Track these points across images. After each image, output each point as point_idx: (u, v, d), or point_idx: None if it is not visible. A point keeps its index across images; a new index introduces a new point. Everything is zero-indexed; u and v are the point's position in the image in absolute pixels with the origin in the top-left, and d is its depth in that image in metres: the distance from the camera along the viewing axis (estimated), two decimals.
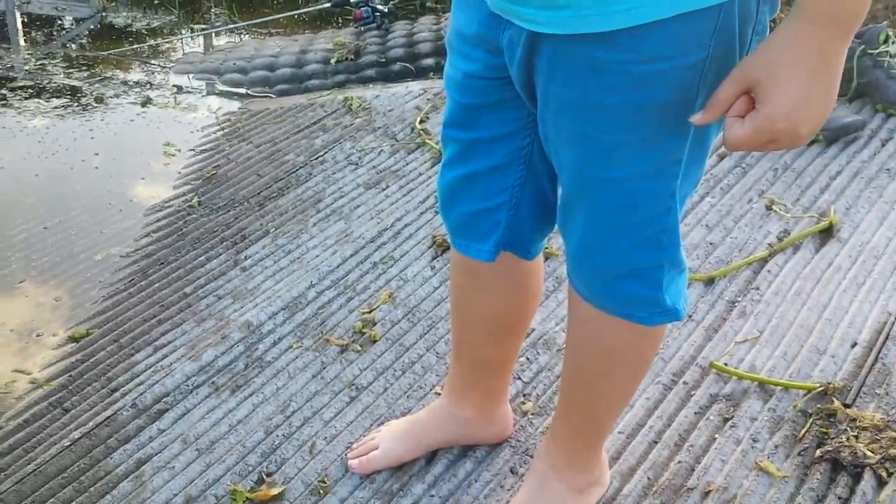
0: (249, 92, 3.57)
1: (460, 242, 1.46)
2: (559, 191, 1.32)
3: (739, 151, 1.30)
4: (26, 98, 3.41)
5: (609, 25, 1.01)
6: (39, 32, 4.17)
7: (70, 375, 2.13)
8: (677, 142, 1.10)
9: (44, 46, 3.92)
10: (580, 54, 1.06)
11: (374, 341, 2.13)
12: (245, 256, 2.53)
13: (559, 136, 1.18)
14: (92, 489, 1.79)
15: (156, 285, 2.45)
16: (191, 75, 3.65)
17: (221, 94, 3.55)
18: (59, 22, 4.31)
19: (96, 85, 3.53)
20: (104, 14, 4.27)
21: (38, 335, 2.26)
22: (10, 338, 2.24)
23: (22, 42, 4.11)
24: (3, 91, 3.46)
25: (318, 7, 4.03)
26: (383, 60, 3.63)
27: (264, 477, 1.79)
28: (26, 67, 3.65)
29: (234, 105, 3.45)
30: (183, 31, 4.16)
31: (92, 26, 4.19)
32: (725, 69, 1.04)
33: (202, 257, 2.55)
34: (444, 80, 1.35)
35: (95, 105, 3.38)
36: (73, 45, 3.91)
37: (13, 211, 2.75)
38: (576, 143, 1.16)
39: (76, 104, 3.38)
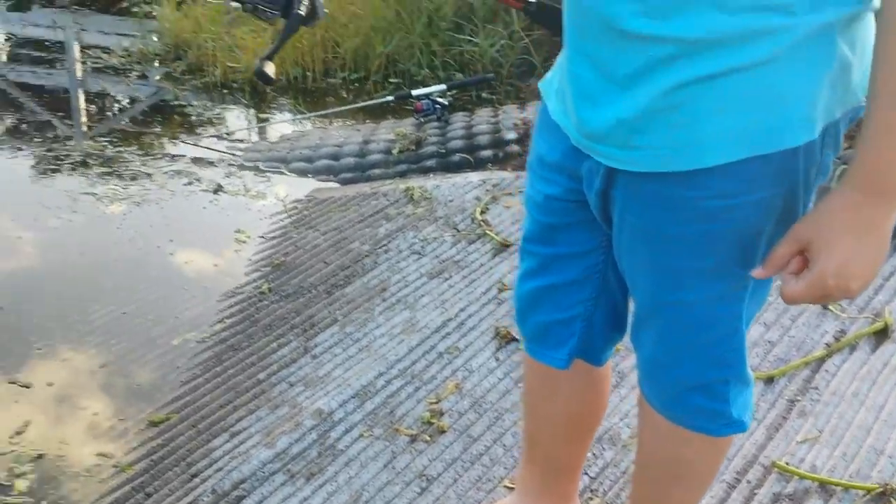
0: (315, 180, 3.72)
1: (535, 349, 1.55)
2: (630, 303, 1.42)
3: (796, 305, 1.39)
4: (103, 183, 3.59)
5: (682, 166, 1.11)
6: (97, 108, 4.40)
7: (151, 460, 2.22)
8: (744, 270, 1.18)
9: (102, 125, 4.13)
10: (654, 189, 1.15)
11: (443, 432, 2.20)
12: (315, 344, 2.63)
13: (633, 260, 1.27)
14: None
15: (230, 371, 2.55)
16: (259, 163, 3.82)
17: (288, 181, 3.70)
18: (117, 101, 4.54)
19: (169, 171, 3.70)
20: (177, 100, 4.49)
21: (120, 419, 2.36)
22: (94, 421, 2.34)
23: (83, 119, 4.34)
24: (81, 176, 3.65)
25: (380, 101, 4.20)
26: (443, 151, 3.77)
27: None
28: (105, 151, 3.84)
29: (301, 192, 3.60)
30: (250, 120, 4.35)
31: (146, 107, 4.41)
32: (790, 206, 1.13)
33: (273, 344, 2.66)
34: (524, 198, 1.46)
35: (170, 191, 3.55)
36: (134, 128, 4.12)
37: (93, 295, 2.89)
38: (649, 267, 1.25)
39: (151, 190, 3.55)
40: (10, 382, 2.45)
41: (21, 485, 2.13)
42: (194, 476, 2.16)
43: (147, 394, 2.46)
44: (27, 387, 2.44)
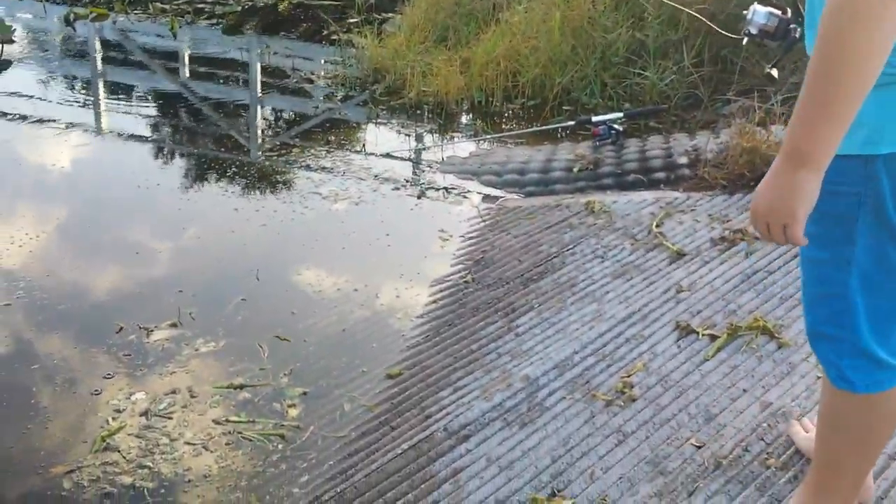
0: (503, 192, 4.21)
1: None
2: None
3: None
4: (327, 185, 4.19)
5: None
6: (314, 121, 5.05)
7: (391, 403, 2.73)
8: (845, 245, 1.59)
9: (321, 137, 4.76)
10: None
11: (634, 400, 2.62)
12: (517, 324, 3.09)
13: None
14: (421, 486, 2.35)
15: (447, 341, 3.05)
16: (454, 174, 4.35)
17: (480, 191, 4.21)
18: (332, 116, 5.17)
19: (381, 178, 4.28)
20: (378, 119, 5.09)
21: (363, 371, 2.89)
22: (343, 370, 2.88)
23: (259, 134, 5.01)
24: (308, 179, 4.27)
25: (562, 125, 4.68)
26: (619, 171, 4.20)
27: (555, 492, 2.30)
28: (326, 159, 4.47)
29: (492, 201, 4.10)
30: (444, 139, 4.89)
31: (355, 123, 5.02)
32: (879, 204, 1.53)
33: (481, 323, 3.14)
34: None
35: (382, 195, 4.11)
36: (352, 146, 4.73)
37: (332, 274, 3.46)
38: None
39: (366, 192, 4.13)
40: (275, 336, 3.02)
41: (293, 412, 2.67)
42: (428, 417, 2.65)
43: (381, 354, 2.98)
44: (287, 340, 3.01)
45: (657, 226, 3.63)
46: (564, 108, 5.08)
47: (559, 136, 4.78)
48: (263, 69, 6.05)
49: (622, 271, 3.36)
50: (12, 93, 5.35)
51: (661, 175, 4.13)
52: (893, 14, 1.26)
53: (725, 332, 2.87)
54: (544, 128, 4.76)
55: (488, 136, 4.86)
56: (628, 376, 2.73)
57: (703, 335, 2.89)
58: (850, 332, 1.67)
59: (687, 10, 4.58)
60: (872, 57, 1.30)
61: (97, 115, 5.22)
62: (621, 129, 4.50)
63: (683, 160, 4.18)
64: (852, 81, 1.31)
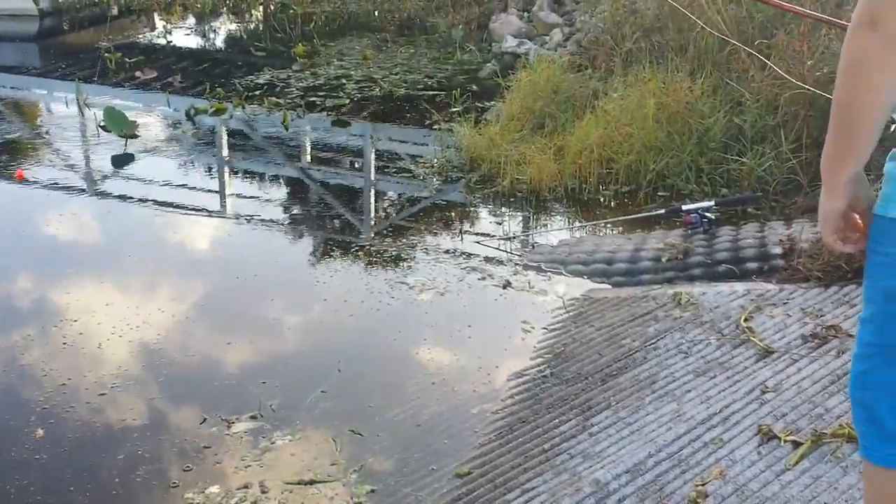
0: (590, 281, 4.18)
1: None
2: None
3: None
4: (413, 274, 4.28)
5: None
6: (399, 209, 5.18)
7: None
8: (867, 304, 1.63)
9: (408, 223, 4.89)
10: None
11: None
12: (592, 423, 3.04)
13: None
14: None
15: (520, 439, 3.02)
16: (541, 263, 4.36)
17: (567, 281, 4.20)
18: (426, 204, 5.30)
19: (467, 267, 4.34)
20: (472, 206, 5.19)
21: (432, 468, 2.89)
22: (413, 468, 2.89)
23: (372, 220, 5.16)
24: (397, 268, 4.37)
25: (652, 213, 4.64)
26: (709, 261, 4.11)
27: None
28: (415, 247, 4.57)
29: (578, 292, 4.08)
30: (535, 227, 4.93)
31: (448, 211, 5.13)
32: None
33: (555, 420, 3.10)
34: None
35: (467, 285, 4.16)
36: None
37: (412, 366, 3.51)
38: None
39: (452, 283, 4.19)
40: (350, 430, 3.07)
41: None
42: None
43: (453, 451, 2.99)
44: (360, 435, 3.06)
45: (745, 320, 3.52)
46: (659, 194, 5.03)
47: (650, 224, 4.73)
48: (361, 155, 6.29)
49: (705, 368, 3.27)
50: (138, 179, 5.75)
51: (753, 265, 4.02)
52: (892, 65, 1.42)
53: (809, 439, 2.73)
54: (634, 216, 4.72)
55: (578, 225, 4.86)
56: (703, 484, 2.63)
57: (785, 441, 2.76)
58: (870, 399, 1.66)
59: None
60: (869, 102, 1.47)
61: (221, 200, 5.56)
62: (713, 216, 4.42)
63: (777, 250, 4.06)
64: (851, 121, 1.51)
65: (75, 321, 3.84)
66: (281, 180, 6.02)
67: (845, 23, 2.34)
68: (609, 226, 4.81)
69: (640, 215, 4.74)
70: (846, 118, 1.51)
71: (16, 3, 11.12)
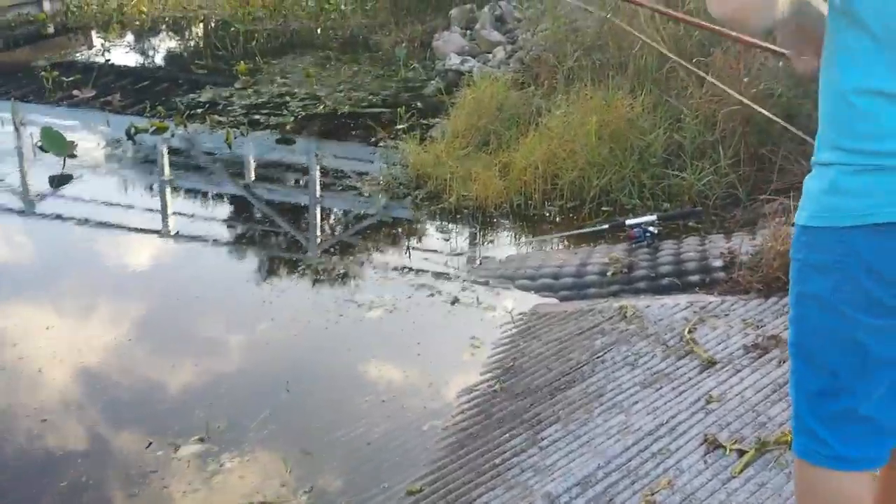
0: (537, 296, 4.22)
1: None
2: None
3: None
4: (361, 293, 4.27)
5: None
6: (344, 226, 5.18)
7: None
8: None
9: (352, 240, 4.89)
10: None
11: None
12: (542, 437, 3.06)
13: None
14: None
15: (471, 455, 3.03)
16: (489, 279, 4.38)
17: (514, 296, 4.23)
18: (372, 221, 5.29)
19: (415, 284, 4.34)
20: (418, 223, 5.20)
21: (383, 486, 2.88)
22: (364, 486, 2.88)
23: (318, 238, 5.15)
24: (344, 286, 4.35)
25: (596, 229, 4.72)
26: (653, 275, 4.18)
27: None
28: (360, 265, 4.57)
29: (525, 306, 4.11)
30: (480, 242, 4.96)
31: (394, 229, 5.15)
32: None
33: (506, 435, 3.12)
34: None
35: (416, 303, 4.16)
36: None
37: (361, 384, 3.50)
38: None
39: (400, 299, 4.18)
40: (299, 451, 3.05)
41: None
42: None
43: (404, 468, 2.98)
44: (310, 454, 3.03)
45: (689, 332, 3.58)
46: (603, 209, 5.10)
47: (594, 238, 4.79)
48: (306, 172, 6.27)
49: (652, 380, 3.31)
50: (77, 199, 5.63)
51: (695, 278, 4.09)
52: None
53: (754, 447, 2.79)
54: (579, 232, 4.78)
55: (524, 240, 4.90)
56: (652, 494, 2.66)
57: (730, 450, 2.81)
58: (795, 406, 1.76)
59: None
60: None
61: (163, 219, 5.48)
62: (656, 231, 4.50)
63: (718, 263, 4.15)
64: None
65: (14, 345, 3.74)
66: (225, 199, 5.95)
67: (773, 47, 2.41)
68: (555, 241, 4.86)
69: (584, 230, 4.79)
70: None
71: None
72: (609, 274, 4.27)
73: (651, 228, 4.49)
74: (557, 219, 5.13)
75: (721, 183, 4.93)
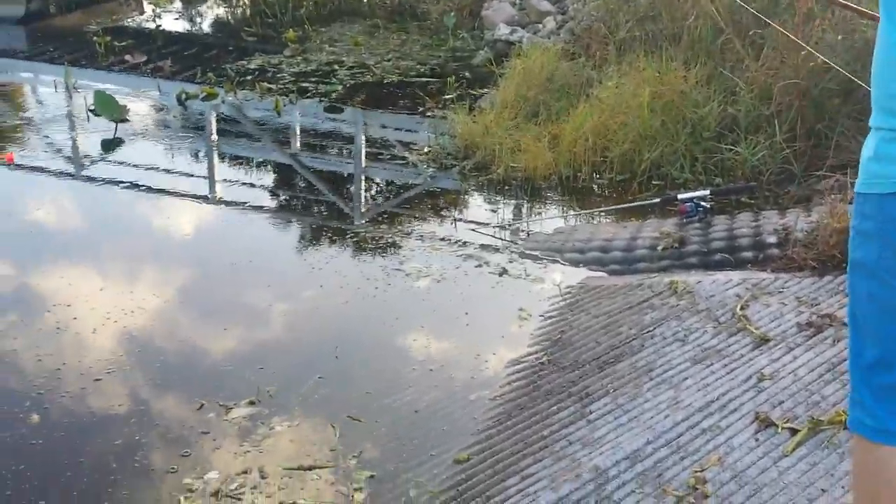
0: (586, 269, 4.19)
1: None
2: None
3: None
4: (410, 261, 4.27)
5: None
6: (394, 194, 5.18)
7: (457, 490, 2.72)
8: None
9: (406, 209, 4.89)
10: None
11: (706, 496, 2.53)
12: (590, 410, 3.05)
13: None
14: None
15: (519, 426, 3.03)
16: (537, 252, 4.36)
17: (563, 269, 4.20)
18: (421, 190, 5.29)
19: (463, 255, 4.33)
20: (466, 194, 5.19)
21: (431, 454, 2.90)
22: (412, 453, 2.89)
23: (364, 207, 5.17)
24: (393, 255, 4.36)
25: (647, 202, 4.65)
26: (705, 250, 4.12)
27: None
28: (410, 234, 4.57)
29: (574, 280, 4.09)
30: (530, 215, 4.93)
31: (443, 198, 5.14)
32: None
33: (554, 407, 3.11)
34: None
35: (464, 272, 4.16)
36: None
37: (409, 353, 3.51)
38: None
39: (448, 270, 4.18)
40: (348, 417, 3.07)
41: (358, 497, 2.70)
42: None
43: (452, 437, 2.99)
44: (359, 421, 3.05)
45: (741, 308, 3.54)
46: (654, 182, 5.04)
47: (644, 213, 4.73)
48: (353, 141, 6.27)
49: (703, 356, 3.28)
50: (128, 164, 5.71)
51: (748, 254, 4.03)
52: None
53: (806, 426, 2.75)
54: (629, 205, 4.73)
55: (573, 213, 4.86)
56: (702, 471, 2.64)
57: (782, 428, 2.78)
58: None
59: None
60: None
61: (211, 186, 5.54)
62: (709, 206, 4.43)
63: (772, 239, 4.07)
64: None
65: (68, 306, 3.81)
66: (272, 166, 5.98)
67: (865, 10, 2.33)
68: (604, 214, 4.81)
69: (635, 204, 4.74)
70: None
71: None
72: (659, 248, 4.22)
73: (703, 203, 4.43)
74: (607, 192, 5.08)
75: (776, 158, 4.84)
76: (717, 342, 3.36)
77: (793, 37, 4.42)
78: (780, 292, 3.66)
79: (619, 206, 4.78)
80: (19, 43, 10.09)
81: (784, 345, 3.27)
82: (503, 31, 8.05)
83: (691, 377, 3.15)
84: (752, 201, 4.70)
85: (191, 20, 10.63)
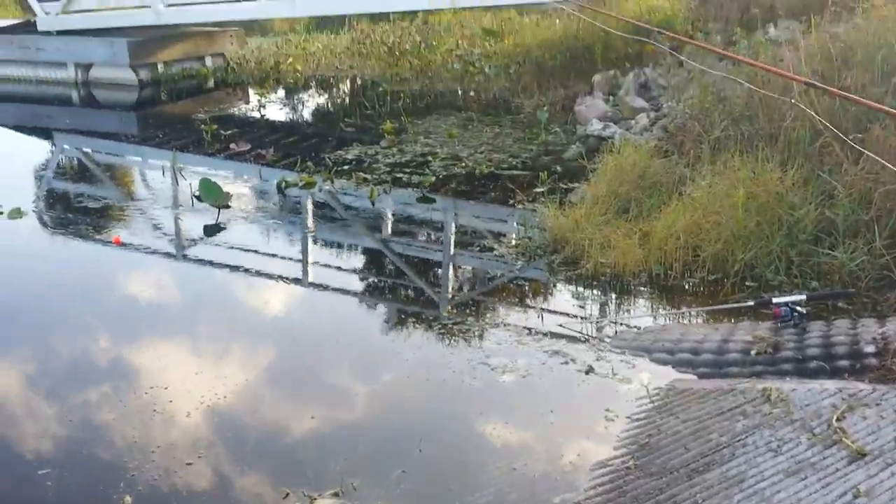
0: (675, 370, 4.12)
1: None
2: None
3: None
4: (496, 355, 4.28)
5: None
6: (483, 284, 5.22)
7: None
8: None
9: (478, 300, 4.92)
10: None
11: None
12: None
13: None
14: None
15: None
16: (625, 350, 4.32)
17: (651, 369, 4.14)
18: (509, 283, 5.32)
19: (549, 350, 4.32)
20: (555, 287, 5.20)
21: None
22: None
23: (451, 295, 5.22)
24: (478, 348, 4.38)
25: (740, 305, 4.58)
26: (800, 357, 4.02)
27: None
28: (494, 326, 4.60)
29: (662, 381, 4.02)
30: (618, 313, 4.90)
31: (529, 291, 5.16)
32: None
33: None
34: None
35: (549, 368, 4.14)
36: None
37: (493, 450, 3.50)
38: None
39: (534, 365, 4.17)
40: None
41: None
42: None
43: None
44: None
45: (838, 420, 3.41)
46: (747, 283, 4.95)
47: (737, 314, 4.65)
48: (443, 229, 6.39)
49: (796, 469, 3.17)
50: (228, 247, 5.96)
51: (845, 363, 3.91)
52: None
53: None
54: (721, 307, 4.66)
55: (663, 312, 4.81)
56: None
57: None
58: None
59: None
60: None
61: (304, 269, 5.73)
62: (804, 310, 4.33)
63: (870, 348, 3.94)
64: None
65: (165, 388, 3.95)
66: (363, 252, 6.14)
67: None
68: (695, 314, 4.75)
69: (727, 305, 4.67)
70: None
71: (118, 74, 11.75)
72: (752, 353, 4.13)
73: (799, 308, 4.33)
74: (698, 291, 5.02)
75: (875, 264, 4.71)
76: (811, 454, 3.24)
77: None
78: (879, 404, 3.52)
79: (710, 308, 4.72)
80: (131, 128, 10.73)
81: (882, 460, 3.13)
82: (596, 126, 8.15)
83: (784, 490, 3.04)
84: (850, 308, 4.56)
85: (293, 109, 11.13)
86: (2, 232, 6.32)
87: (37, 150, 9.83)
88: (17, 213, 6.61)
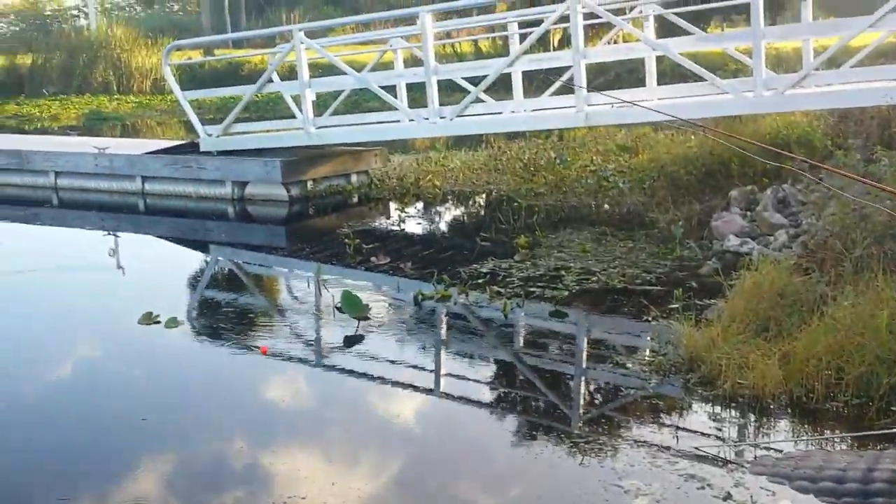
0: (818, 500, 3.96)
1: None
2: None
3: None
4: (628, 477, 4.24)
5: None
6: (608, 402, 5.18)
7: None
8: None
9: (613, 419, 4.87)
10: None
11: None
12: None
13: None
14: None
15: None
16: (765, 476, 4.18)
17: (792, 498, 3.99)
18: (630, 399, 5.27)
19: (684, 474, 4.24)
20: (690, 408, 5.12)
21: None
22: None
23: (582, 410, 5.17)
24: (612, 466, 4.35)
25: (887, 431, 4.38)
26: None
27: None
28: (620, 443, 4.55)
29: None
30: (757, 437, 4.76)
31: (657, 410, 5.08)
32: None
33: None
34: None
35: (685, 493, 4.06)
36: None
37: None
38: None
39: (668, 490, 4.10)
40: None
41: None
42: None
43: None
44: None
45: None
46: (892, 408, 4.73)
47: (888, 441, 4.43)
48: (575, 343, 6.41)
49: None
50: (365, 357, 6.21)
51: None
52: None
53: None
54: (866, 433, 4.46)
55: (804, 437, 4.64)
56: None
57: None
58: None
59: None
60: None
61: (437, 380, 5.91)
62: None
63: None
64: None
65: (303, 498, 4.11)
66: (495, 363, 6.24)
67: None
68: (838, 440, 4.56)
69: (872, 432, 4.47)
70: None
71: (271, 190, 12.52)
72: None
73: None
74: (841, 415, 4.83)
75: None
76: None
77: None
78: None
79: (855, 434, 4.52)
80: (280, 241, 11.38)
81: None
82: (733, 242, 8.06)
83: None
84: None
85: (431, 222, 11.51)
86: (159, 341, 6.79)
87: (194, 261, 10.56)
88: (173, 323, 7.08)
